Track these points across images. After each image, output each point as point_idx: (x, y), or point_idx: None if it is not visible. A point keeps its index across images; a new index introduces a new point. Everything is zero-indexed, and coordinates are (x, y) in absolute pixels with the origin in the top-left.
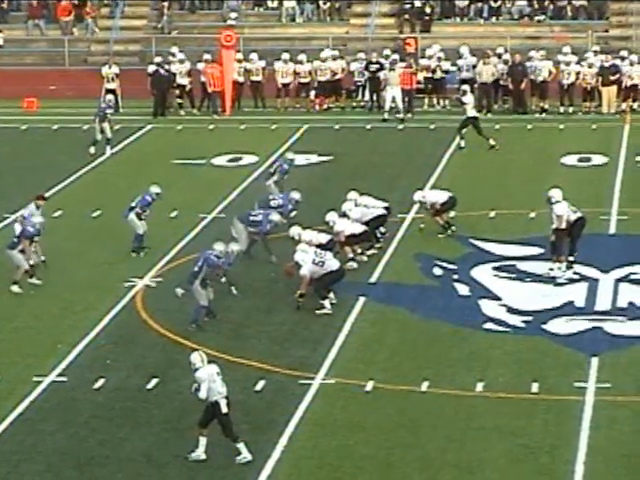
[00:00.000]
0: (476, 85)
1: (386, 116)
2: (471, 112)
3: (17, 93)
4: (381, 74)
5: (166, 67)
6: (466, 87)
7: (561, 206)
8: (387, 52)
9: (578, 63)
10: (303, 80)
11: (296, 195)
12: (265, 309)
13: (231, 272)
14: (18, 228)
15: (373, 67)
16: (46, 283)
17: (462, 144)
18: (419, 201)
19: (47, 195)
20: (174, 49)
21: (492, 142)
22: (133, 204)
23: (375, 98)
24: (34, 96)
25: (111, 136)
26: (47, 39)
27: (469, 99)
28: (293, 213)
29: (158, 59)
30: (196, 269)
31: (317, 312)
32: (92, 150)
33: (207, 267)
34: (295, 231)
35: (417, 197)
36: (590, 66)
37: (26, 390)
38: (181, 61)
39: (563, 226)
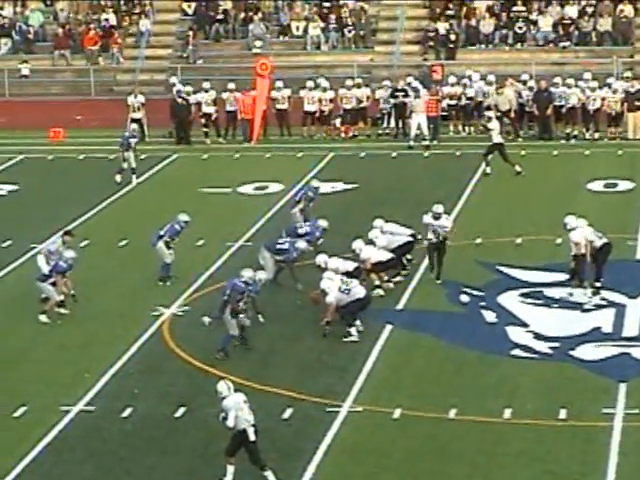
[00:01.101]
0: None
1: (412, 143)
2: (497, 138)
3: (43, 123)
4: (407, 101)
5: (183, 95)
6: (491, 113)
7: (577, 233)
8: (410, 79)
9: (602, 88)
10: (327, 108)
11: (323, 223)
12: (291, 337)
13: (258, 300)
14: (42, 260)
15: (399, 94)
16: (73, 312)
17: (488, 170)
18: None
19: (74, 225)
20: (205, 84)
21: (518, 168)
22: (162, 232)
23: (401, 125)
24: (60, 126)
25: (135, 165)
26: (73, 69)
27: (494, 125)
28: (320, 241)
29: (179, 86)
30: (225, 298)
31: (344, 340)
32: (118, 178)
33: (233, 293)
34: (321, 259)
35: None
36: (615, 92)
37: (53, 420)
38: (206, 90)
39: (582, 251)
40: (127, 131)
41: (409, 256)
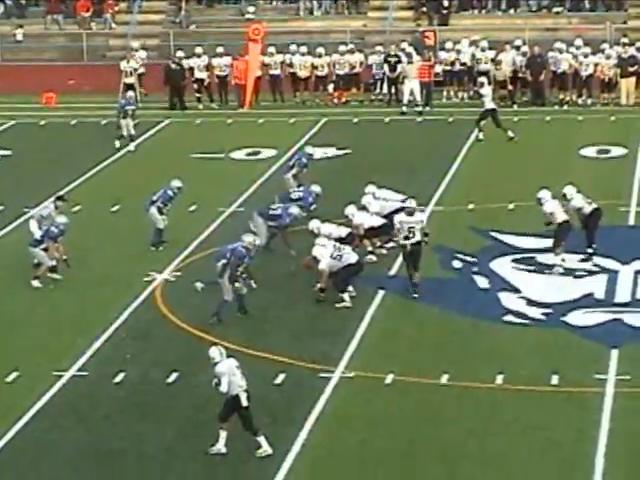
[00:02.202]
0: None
1: (404, 109)
2: (489, 104)
3: (36, 88)
4: (399, 67)
5: (177, 60)
6: (483, 79)
7: (550, 204)
8: (404, 45)
9: (595, 54)
10: (321, 73)
11: (316, 188)
12: (284, 303)
13: (251, 266)
14: (34, 225)
15: (392, 60)
16: (65, 278)
17: (480, 136)
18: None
19: (66, 190)
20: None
21: (510, 134)
22: (154, 198)
23: (394, 91)
24: (53, 91)
25: (134, 132)
26: (65, 34)
27: (487, 91)
28: (313, 206)
29: (180, 53)
30: (224, 262)
31: (337, 305)
32: (117, 144)
33: (234, 257)
34: (314, 225)
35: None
36: (608, 57)
37: (46, 385)
38: (199, 55)
39: (558, 221)
40: (123, 98)
41: None
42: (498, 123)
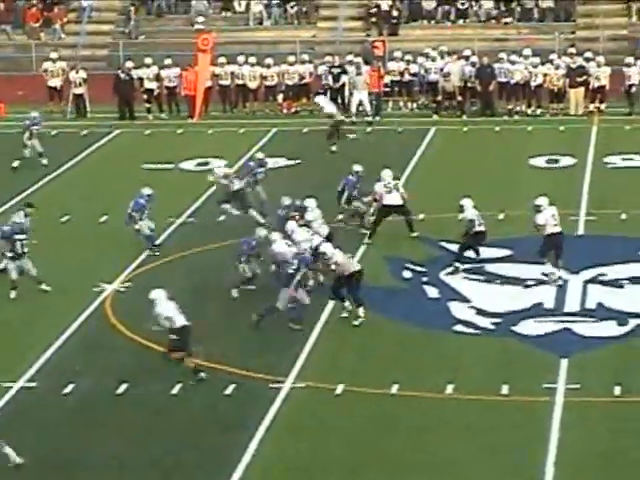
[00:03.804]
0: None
1: (354, 119)
2: (338, 116)
3: None
4: (345, 78)
5: (126, 71)
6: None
7: (542, 216)
8: (350, 57)
9: (544, 64)
10: (270, 83)
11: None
12: (235, 314)
13: (203, 279)
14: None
15: (335, 71)
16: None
17: (334, 149)
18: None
19: (16, 201)
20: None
21: (334, 149)
22: (129, 210)
23: (340, 101)
24: (1, 101)
25: (42, 149)
26: (14, 44)
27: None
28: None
29: (129, 64)
30: (291, 271)
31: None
32: (16, 164)
33: (303, 265)
34: (290, 227)
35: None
36: (557, 67)
37: None
38: (148, 65)
39: (547, 232)
40: (28, 118)
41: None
42: (339, 135)
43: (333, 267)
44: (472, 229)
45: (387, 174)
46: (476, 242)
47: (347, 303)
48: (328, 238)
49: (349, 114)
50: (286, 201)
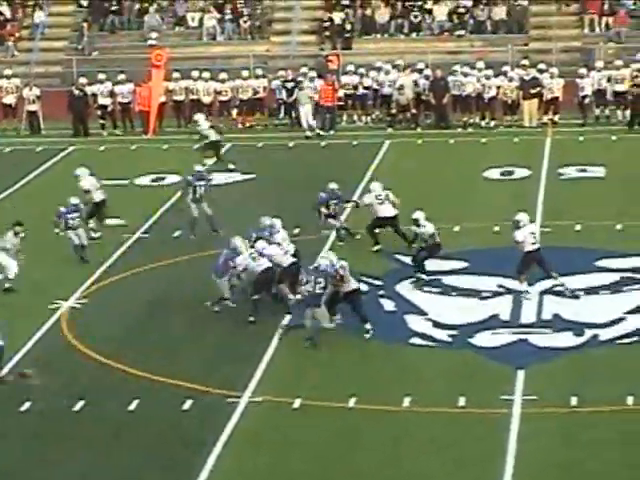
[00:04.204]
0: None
1: (308, 134)
2: (213, 136)
3: None
4: (296, 92)
5: (80, 87)
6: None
7: (521, 233)
8: (304, 69)
9: (497, 76)
10: (224, 98)
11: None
12: (191, 329)
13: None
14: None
15: (288, 85)
16: None
17: (231, 166)
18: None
19: None
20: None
21: (231, 166)
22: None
23: (294, 115)
24: None
25: None
26: None
27: (203, 123)
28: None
29: (83, 80)
30: (321, 286)
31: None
32: None
33: (330, 278)
34: (260, 245)
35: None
36: (510, 80)
37: None
38: (102, 81)
39: (526, 249)
40: None
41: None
42: (219, 156)
43: (338, 283)
44: (434, 241)
45: (377, 186)
46: (432, 254)
47: (338, 316)
48: (295, 255)
49: (306, 129)
50: (266, 221)
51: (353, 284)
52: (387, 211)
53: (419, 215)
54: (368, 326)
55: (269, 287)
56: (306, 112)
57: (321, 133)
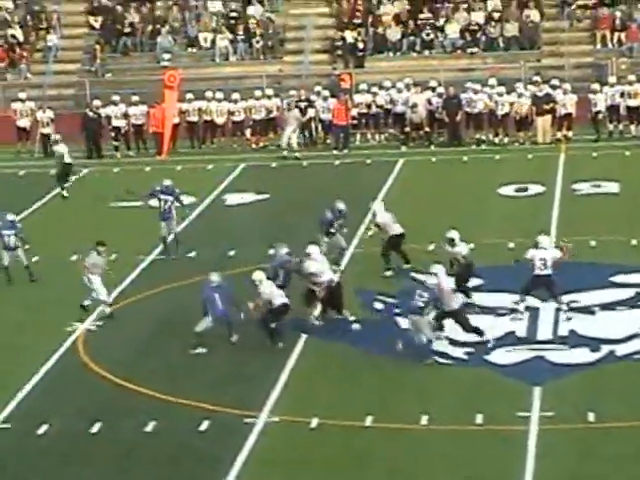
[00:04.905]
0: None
1: (285, 153)
2: (67, 158)
3: None
4: (312, 111)
5: (94, 109)
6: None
7: (531, 252)
8: (318, 88)
9: (510, 93)
10: (237, 119)
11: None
12: (207, 349)
13: (174, 315)
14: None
15: (302, 104)
16: None
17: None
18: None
19: None
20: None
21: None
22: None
23: (307, 135)
24: None
25: None
26: None
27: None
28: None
29: (97, 102)
30: (420, 303)
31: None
32: None
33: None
34: (257, 276)
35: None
36: (522, 96)
37: None
38: (116, 103)
39: (535, 273)
40: None
41: None
42: (67, 179)
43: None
44: (466, 261)
45: (381, 206)
46: (469, 274)
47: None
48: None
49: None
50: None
51: (455, 304)
52: (399, 229)
53: (454, 235)
54: (486, 337)
55: (283, 317)
56: (290, 132)
57: (294, 154)
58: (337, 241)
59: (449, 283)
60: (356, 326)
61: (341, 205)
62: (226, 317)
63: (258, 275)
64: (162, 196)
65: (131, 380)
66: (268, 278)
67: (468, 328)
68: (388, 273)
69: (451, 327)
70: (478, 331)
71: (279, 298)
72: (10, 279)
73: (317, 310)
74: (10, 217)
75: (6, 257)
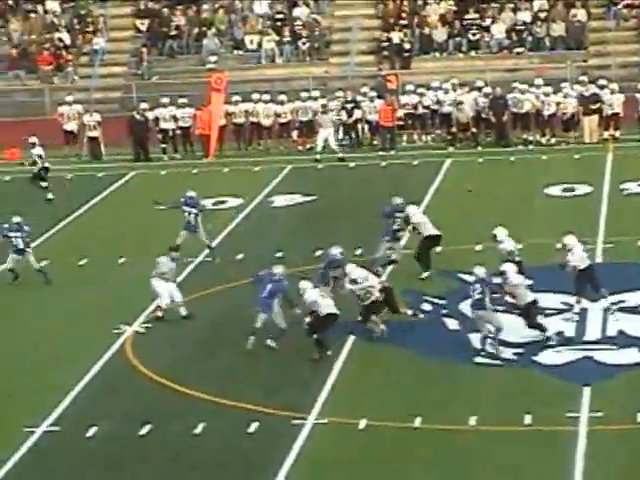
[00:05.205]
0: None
1: (318, 157)
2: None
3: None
4: (358, 112)
5: (141, 112)
6: None
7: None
8: (365, 89)
9: (556, 93)
10: (284, 120)
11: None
12: (254, 351)
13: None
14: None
15: (348, 106)
16: (35, 331)
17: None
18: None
19: (35, 244)
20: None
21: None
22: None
23: (354, 136)
24: (16, 146)
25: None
26: (28, 89)
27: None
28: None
29: (144, 105)
30: (478, 295)
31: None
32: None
33: (488, 287)
34: (303, 285)
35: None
36: (569, 96)
37: (17, 441)
38: (164, 105)
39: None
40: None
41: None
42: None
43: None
44: (513, 259)
45: (415, 209)
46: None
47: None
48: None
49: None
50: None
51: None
52: (434, 230)
53: (498, 231)
54: (549, 334)
55: (329, 328)
56: (325, 135)
57: (340, 156)
58: (399, 246)
59: (520, 279)
60: (421, 315)
61: (399, 200)
62: (264, 308)
63: (303, 284)
64: (186, 207)
65: (180, 382)
66: (316, 286)
67: (533, 324)
68: (425, 275)
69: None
70: (541, 327)
71: (326, 307)
72: (17, 280)
73: (378, 317)
74: (16, 219)
75: (13, 260)
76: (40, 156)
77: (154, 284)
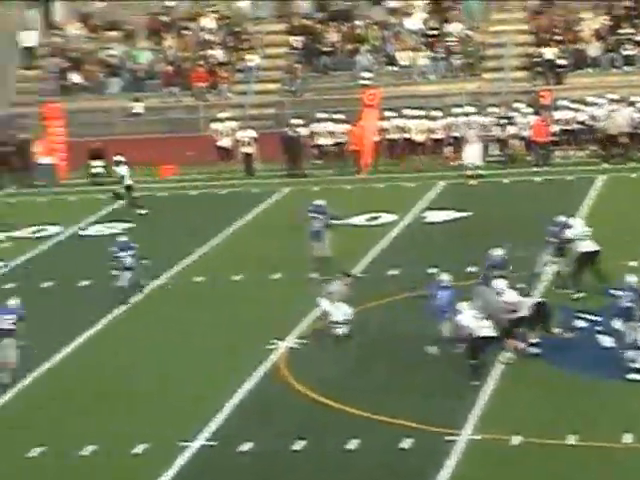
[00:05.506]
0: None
1: (468, 172)
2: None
3: (154, 160)
4: (512, 128)
5: (294, 128)
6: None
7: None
8: (518, 105)
9: None
10: (437, 136)
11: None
12: (407, 367)
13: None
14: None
15: (502, 121)
16: (188, 348)
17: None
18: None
19: (191, 259)
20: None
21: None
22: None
23: (505, 152)
24: (172, 163)
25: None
26: (182, 106)
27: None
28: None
29: (297, 121)
30: (628, 304)
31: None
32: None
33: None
34: (499, 285)
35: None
36: None
37: (172, 455)
38: (318, 120)
39: None
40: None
41: None
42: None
43: None
44: None
45: (580, 222)
46: None
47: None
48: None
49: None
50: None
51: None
52: (591, 246)
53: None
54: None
55: (485, 351)
56: (471, 151)
57: (478, 172)
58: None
59: None
60: (570, 334)
61: (562, 218)
62: (441, 316)
63: (459, 306)
64: (313, 215)
65: (334, 398)
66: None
67: None
68: (576, 296)
69: None
70: None
71: (482, 330)
72: (126, 300)
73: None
74: (123, 238)
75: (125, 278)
76: (123, 176)
77: (325, 303)
